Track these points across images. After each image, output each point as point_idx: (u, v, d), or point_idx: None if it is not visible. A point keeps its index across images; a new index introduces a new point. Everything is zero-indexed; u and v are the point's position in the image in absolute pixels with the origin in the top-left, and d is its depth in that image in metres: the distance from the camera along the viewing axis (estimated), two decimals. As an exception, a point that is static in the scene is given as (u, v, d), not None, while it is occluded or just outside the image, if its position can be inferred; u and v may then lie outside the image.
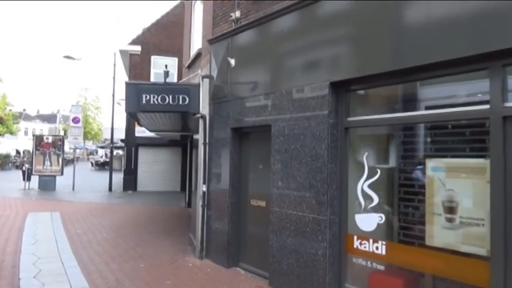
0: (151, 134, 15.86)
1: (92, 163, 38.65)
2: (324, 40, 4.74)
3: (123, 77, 24.34)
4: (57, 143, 18.08)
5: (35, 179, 17.81)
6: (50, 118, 79.98)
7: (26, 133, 71.57)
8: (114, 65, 18.75)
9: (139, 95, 6.46)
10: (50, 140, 18.11)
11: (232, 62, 6.20)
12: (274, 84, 5.43)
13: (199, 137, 6.88)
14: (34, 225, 9.37)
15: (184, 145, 18.90)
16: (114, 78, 18.76)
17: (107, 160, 42.26)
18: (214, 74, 6.78)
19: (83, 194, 16.65)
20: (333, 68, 4.64)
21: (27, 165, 17.82)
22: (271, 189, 5.36)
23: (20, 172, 29.39)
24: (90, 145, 63.78)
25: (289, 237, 5.03)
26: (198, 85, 6.88)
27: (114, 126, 19.37)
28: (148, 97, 6.49)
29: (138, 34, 19.36)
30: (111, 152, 19.81)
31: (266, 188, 5.71)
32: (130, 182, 18.61)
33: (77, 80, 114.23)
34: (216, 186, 6.56)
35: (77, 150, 34.97)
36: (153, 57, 19.13)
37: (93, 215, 11.28)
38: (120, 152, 51.72)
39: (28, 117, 74.68)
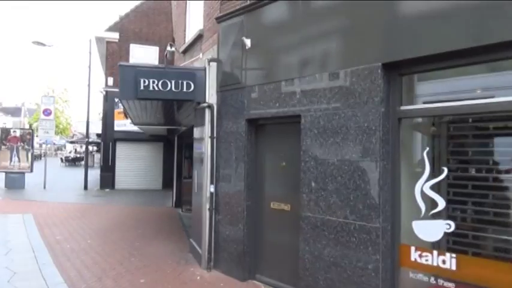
0: (131, 128, 14.74)
1: (61, 159, 36.55)
2: (373, 12, 3.97)
3: (97, 68, 22.87)
4: (26, 137, 16.55)
5: (0, 177, 16.25)
6: (14, 111, 75.83)
7: (-13, 127, 67.51)
8: (90, 53, 17.35)
9: (137, 80, 5.48)
10: (18, 133, 16.55)
11: (248, 42, 5.34)
12: (304, 67, 4.62)
13: (205, 130, 5.97)
14: (4, 231, 8.19)
15: (166, 140, 17.82)
16: (89, 67, 17.36)
17: (78, 156, 40.17)
18: (223, 57, 5.89)
19: (56, 193, 15.30)
20: (386, 45, 3.88)
21: (-9, 162, 16.21)
22: (301, 190, 4.56)
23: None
24: (58, 140, 60.84)
25: (327, 248, 4.26)
26: (204, 69, 5.97)
27: (86, 119, 17.95)
28: (147, 82, 5.51)
29: (116, 20, 18.02)
30: (87, 148, 18.40)
31: (291, 189, 4.93)
32: (108, 179, 17.34)
33: (44, 70, 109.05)
34: (227, 186, 5.69)
35: (44, 145, 32.93)
36: (132, 46, 17.88)
37: (72, 217, 10.13)
38: (90, 147, 49.29)
39: (-10, 110, 70.43)
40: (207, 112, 5.94)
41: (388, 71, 3.93)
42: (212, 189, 5.86)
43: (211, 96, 5.97)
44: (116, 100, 17.39)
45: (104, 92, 16.47)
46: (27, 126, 75.17)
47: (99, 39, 17.69)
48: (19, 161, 16.26)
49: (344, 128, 4.16)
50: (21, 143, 16.35)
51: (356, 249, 4.00)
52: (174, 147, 18.43)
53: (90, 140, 39.08)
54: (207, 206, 5.88)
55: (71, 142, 41.65)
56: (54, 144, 57.14)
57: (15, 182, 16.10)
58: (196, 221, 6.55)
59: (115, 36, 17.62)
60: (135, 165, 17.93)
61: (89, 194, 15.59)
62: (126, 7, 43.93)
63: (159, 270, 5.79)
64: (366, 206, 3.94)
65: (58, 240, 7.50)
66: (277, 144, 5.30)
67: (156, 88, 5.58)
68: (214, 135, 5.91)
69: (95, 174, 27.33)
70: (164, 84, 5.61)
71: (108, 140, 17.49)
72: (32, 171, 16.58)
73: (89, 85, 17.46)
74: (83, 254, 6.61)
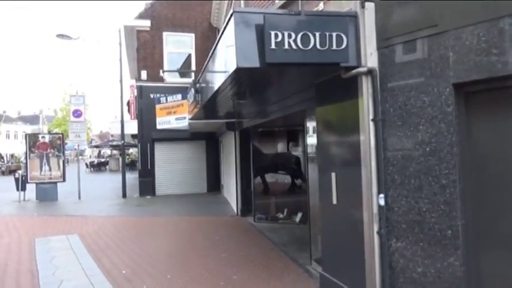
0: (176, 125, 12.73)
1: (86, 164, 35.04)
2: None
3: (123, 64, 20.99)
4: (56, 143, 14.72)
5: (31, 188, 14.49)
6: (32, 119, 75.37)
7: (7, 136, 67.15)
8: (120, 44, 15.41)
9: (266, 34, 3.40)
10: (47, 139, 14.73)
11: (452, -44, 3.19)
12: None
13: (363, 109, 3.86)
14: (51, 263, 6.25)
15: (208, 138, 15.85)
16: (120, 60, 15.42)
17: (102, 161, 38.72)
18: (385, -6, 3.76)
19: (94, 204, 13.44)
20: None
21: (20, 172, 14.45)
22: None
23: (7, 179, 25.79)
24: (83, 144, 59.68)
25: None
26: (355, 16, 3.85)
27: (113, 120, 16.01)
28: (280, 37, 3.43)
29: (146, 6, 16.03)
30: (123, 151, 16.42)
31: None
32: (148, 185, 15.43)
33: (61, 75, 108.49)
34: (414, 196, 3.56)
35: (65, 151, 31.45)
36: (165, 34, 15.90)
37: (127, 237, 8.17)
38: (109, 151, 47.46)
39: (9, 120, 69.95)
40: (365, 82, 3.83)
41: None
42: (382, 202, 3.74)
43: (369, 56, 3.85)
44: (152, 96, 15.48)
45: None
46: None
47: (128, 29, 15.73)
48: (50, 169, 14.45)
49: None
50: (51, 150, 14.54)
51: None
52: (217, 145, 16.48)
53: (114, 143, 37.54)
54: (375, 228, 3.76)
55: (95, 146, 40.06)
56: (75, 149, 56.07)
57: (48, 193, 14.30)
58: (341, 247, 4.44)
59: (146, 24, 15.62)
60: (176, 168, 15.96)
61: (131, 204, 13.66)
62: None
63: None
64: None
65: (127, 277, 5.51)
66: (521, 121, 3.13)
67: (294, 46, 3.48)
68: (379, 116, 3.79)
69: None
70: (305, 40, 3.50)
71: (146, 141, 15.55)
72: (64, 180, 14.75)
73: (121, 81, 15.55)
74: (172, 301, 4.59)
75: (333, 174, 4.51)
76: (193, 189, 16.01)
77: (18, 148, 53.59)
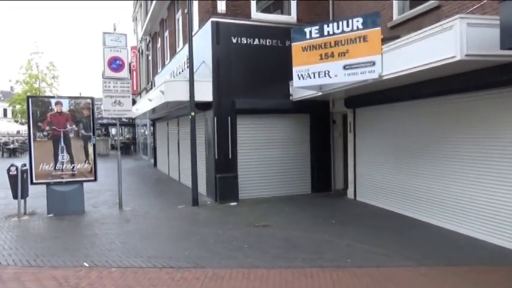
0: (332, 81, 6.96)
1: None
2: None
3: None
4: (82, 114, 8.45)
5: (36, 191, 8.29)
6: (-15, 95, 64.66)
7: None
8: None
9: None
10: (66, 107, 8.38)
11: None
12: None
13: None
14: None
15: (317, 110, 10.22)
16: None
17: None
18: None
19: (164, 224, 7.48)
20: None
21: (18, 165, 8.05)
22: None
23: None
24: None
25: None
26: None
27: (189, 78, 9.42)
28: None
29: None
30: (192, 126, 9.84)
31: None
32: (230, 184, 9.55)
33: (19, 43, 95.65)
34: None
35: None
36: None
37: None
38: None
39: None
40: None
41: None
42: None
43: None
44: (235, 40, 9.53)
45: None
46: (4, 112, 64.90)
47: None
48: (71, 160, 8.25)
49: None
50: (74, 126, 8.30)
51: None
52: (328, 121, 10.82)
53: (105, 121, 30.44)
54: None
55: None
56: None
57: (68, 201, 8.16)
58: None
59: None
60: (268, 156, 10.16)
61: (220, 220, 7.74)
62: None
63: None
64: None
65: None
66: None
67: None
68: None
69: (130, 165, 18.42)
70: None
71: (225, 113, 9.57)
72: (96, 179, 8.60)
73: (188, 12, 9.35)
74: None
75: None
76: (292, 189, 10.34)
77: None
